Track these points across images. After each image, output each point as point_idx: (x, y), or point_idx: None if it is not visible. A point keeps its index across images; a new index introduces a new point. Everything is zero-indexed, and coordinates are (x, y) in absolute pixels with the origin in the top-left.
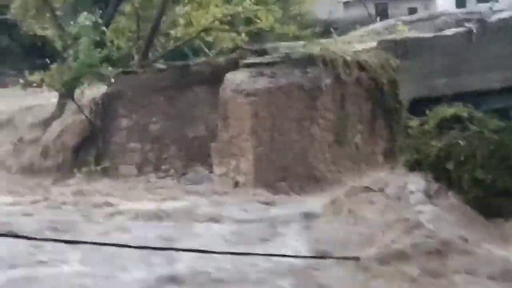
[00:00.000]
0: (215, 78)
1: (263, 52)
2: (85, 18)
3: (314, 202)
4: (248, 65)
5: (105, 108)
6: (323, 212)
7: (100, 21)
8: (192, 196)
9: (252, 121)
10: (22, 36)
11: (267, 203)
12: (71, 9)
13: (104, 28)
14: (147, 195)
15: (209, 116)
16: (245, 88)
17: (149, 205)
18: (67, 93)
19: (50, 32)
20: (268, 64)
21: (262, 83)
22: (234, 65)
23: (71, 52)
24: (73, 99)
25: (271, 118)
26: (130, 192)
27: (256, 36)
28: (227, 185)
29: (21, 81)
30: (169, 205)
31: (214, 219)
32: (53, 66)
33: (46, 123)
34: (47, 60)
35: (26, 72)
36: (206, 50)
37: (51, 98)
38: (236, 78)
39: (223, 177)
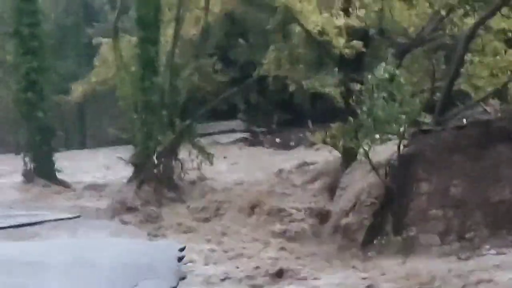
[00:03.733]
0: None
1: None
2: (384, 71)
3: None
4: None
5: (401, 170)
6: None
7: (397, 72)
8: None
9: None
10: (271, 92)
11: None
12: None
13: (400, 80)
14: None
15: None
16: None
17: None
18: (351, 153)
19: (324, 87)
20: None
21: None
22: None
23: (363, 108)
24: (369, 160)
25: None
26: None
27: None
28: None
29: (278, 140)
30: None
31: None
32: (334, 125)
33: (329, 187)
34: (290, 116)
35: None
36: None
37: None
38: None
39: None
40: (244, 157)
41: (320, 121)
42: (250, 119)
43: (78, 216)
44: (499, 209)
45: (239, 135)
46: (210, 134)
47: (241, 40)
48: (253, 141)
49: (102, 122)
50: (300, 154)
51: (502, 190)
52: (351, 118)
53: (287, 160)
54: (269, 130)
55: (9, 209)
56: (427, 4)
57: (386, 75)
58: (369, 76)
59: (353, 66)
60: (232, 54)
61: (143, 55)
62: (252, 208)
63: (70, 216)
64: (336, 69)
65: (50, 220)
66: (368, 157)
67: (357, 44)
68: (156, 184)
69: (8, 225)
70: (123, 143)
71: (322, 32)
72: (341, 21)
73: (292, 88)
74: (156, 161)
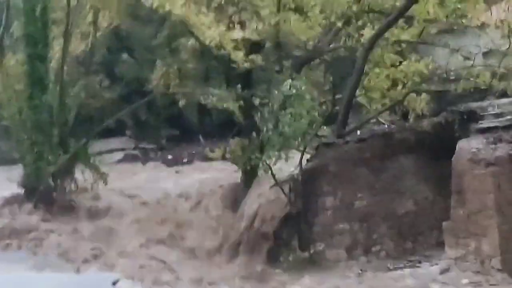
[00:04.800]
0: (420, 145)
1: (471, 114)
2: (291, 86)
3: None
4: (482, 130)
5: (305, 185)
6: None
7: (303, 88)
8: None
9: (495, 195)
10: (159, 107)
11: None
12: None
13: (305, 96)
14: None
15: (416, 189)
16: (484, 157)
17: None
18: (252, 168)
19: (222, 103)
20: (504, 128)
21: (503, 150)
22: (441, 130)
23: (268, 124)
24: (273, 176)
25: None
26: None
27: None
28: (467, 270)
29: (169, 156)
30: None
31: None
32: (234, 141)
33: (231, 204)
34: (179, 132)
35: (207, 149)
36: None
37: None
38: (471, 145)
39: (460, 261)
40: (138, 175)
41: (210, 136)
42: (138, 135)
43: None
44: (404, 221)
45: (128, 153)
46: (98, 153)
47: (126, 56)
48: (143, 159)
49: None
50: (197, 171)
51: (406, 202)
52: (254, 134)
53: (185, 177)
54: (158, 146)
55: None
56: (322, 16)
57: (293, 91)
58: (275, 92)
59: (247, 80)
60: (118, 70)
61: (31, 73)
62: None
63: None
64: (239, 85)
65: None
66: (272, 173)
67: (256, 58)
68: (53, 207)
69: None
70: (8, 164)
71: (219, 46)
72: (238, 34)
73: (181, 103)
74: (51, 183)
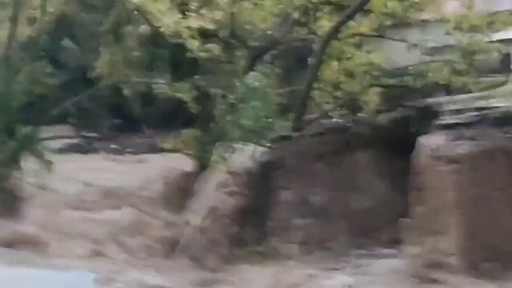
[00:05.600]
0: (377, 141)
1: (428, 109)
2: (254, 79)
3: None
4: (444, 127)
5: (260, 178)
6: None
7: (265, 81)
8: None
9: (455, 193)
10: (101, 95)
11: None
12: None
13: (268, 89)
14: None
15: (373, 185)
16: (445, 154)
17: None
18: (205, 160)
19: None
20: (465, 125)
21: (464, 147)
22: (398, 125)
23: (227, 116)
24: (228, 169)
25: (475, 188)
26: None
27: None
28: (424, 268)
29: (113, 146)
30: None
31: None
32: (187, 131)
33: (183, 196)
34: (122, 121)
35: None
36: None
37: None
38: (431, 142)
39: (418, 258)
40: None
41: (154, 127)
42: (80, 123)
43: None
44: (359, 217)
45: (70, 141)
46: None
47: (69, 42)
48: (86, 148)
49: None
50: (143, 162)
51: (361, 198)
52: (209, 125)
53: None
54: (101, 135)
55: None
56: (279, 7)
57: (256, 84)
58: (237, 84)
59: (194, 70)
60: (61, 57)
61: None
62: None
63: None
64: (195, 76)
65: None
66: (228, 165)
67: (213, 47)
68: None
69: None
70: None
71: (174, 34)
72: (194, 22)
73: (126, 92)
74: None
